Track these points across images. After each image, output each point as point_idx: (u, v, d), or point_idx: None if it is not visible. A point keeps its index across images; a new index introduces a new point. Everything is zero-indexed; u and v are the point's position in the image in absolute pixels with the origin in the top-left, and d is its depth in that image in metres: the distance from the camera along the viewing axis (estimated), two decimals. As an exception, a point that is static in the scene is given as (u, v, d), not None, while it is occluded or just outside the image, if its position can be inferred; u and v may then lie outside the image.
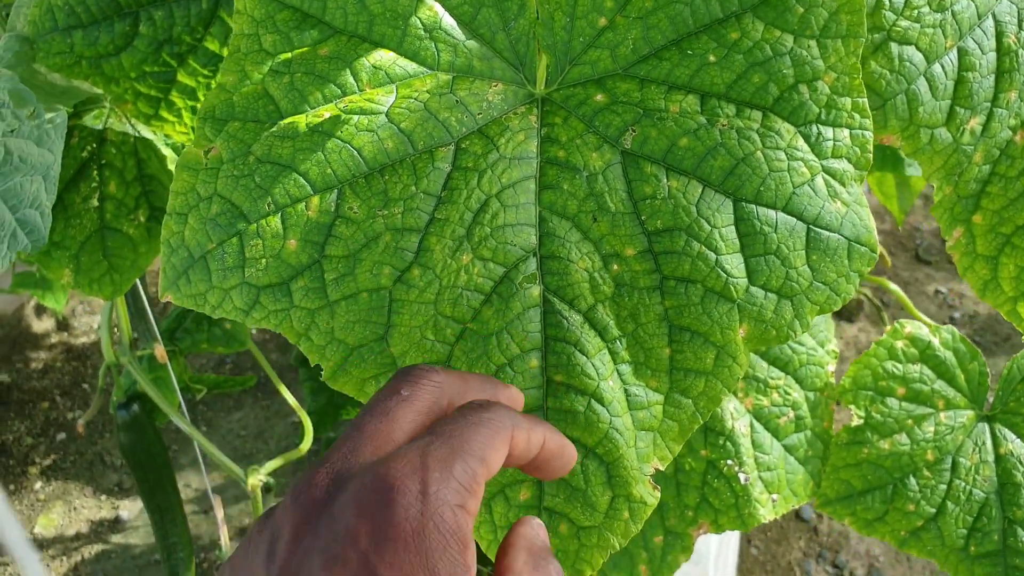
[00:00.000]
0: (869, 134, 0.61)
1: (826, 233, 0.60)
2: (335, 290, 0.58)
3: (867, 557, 2.55)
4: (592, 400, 0.58)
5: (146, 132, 1.15)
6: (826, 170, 0.60)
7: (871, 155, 0.61)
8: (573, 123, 0.62)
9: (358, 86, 0.61)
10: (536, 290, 0.60)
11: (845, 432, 1.02)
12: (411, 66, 0.62)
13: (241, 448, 2.83)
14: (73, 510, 2.69)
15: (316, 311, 0.59)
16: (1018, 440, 1.03)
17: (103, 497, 2.70)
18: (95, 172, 1.13)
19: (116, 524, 2.62)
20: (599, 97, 0.62)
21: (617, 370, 0.60)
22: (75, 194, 1.12)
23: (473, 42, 0.63)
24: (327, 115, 0.60)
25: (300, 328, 0.59)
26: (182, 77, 1.02)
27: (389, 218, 0.59)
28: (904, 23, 0.72)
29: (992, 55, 0.76)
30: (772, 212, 0.59)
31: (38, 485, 2.76)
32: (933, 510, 1.02)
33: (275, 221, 0.59)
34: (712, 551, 2.04)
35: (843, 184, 0.61)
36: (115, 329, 1.35)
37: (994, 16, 0.76)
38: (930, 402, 1.02)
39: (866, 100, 0.61)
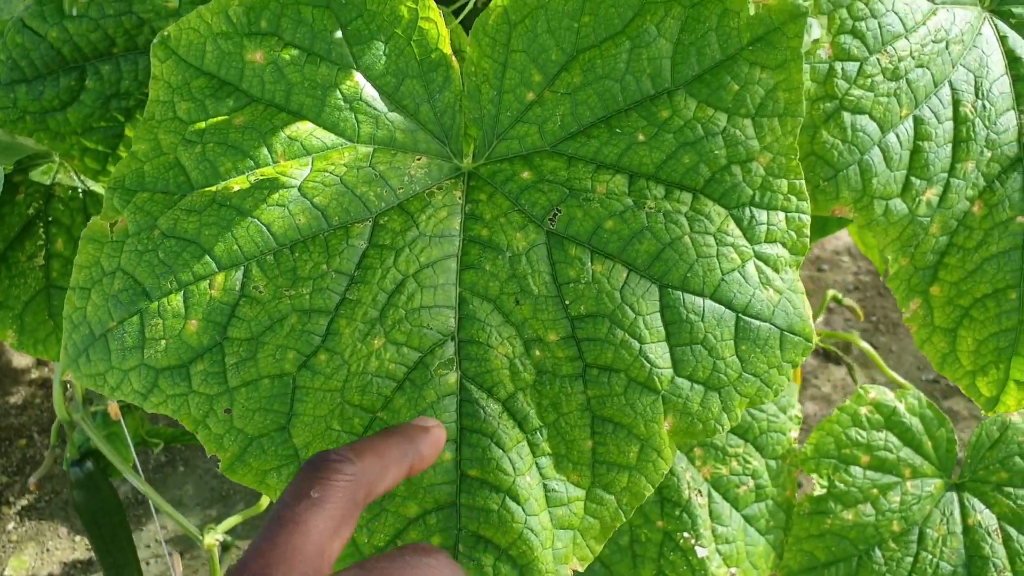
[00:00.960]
0: (806, 217, 0.58)
1: (756, 322, 0.57)
2: (235, 375, 0.55)
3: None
4: (507, 497, 0.55)
5: (96, 187, 1.12)
6: (758, 256, 0.57)
7: (808, 239, 0.58)
8: (498, 200, 0.59)
9: (272, 158, 0.58)
10: (453, 377, 0.56)
11: (808, 501, 0.99)
12: (329, 138, 0.59)
13: (219, 488, 2.79)
14: (46, 551, 2.64)
15: (215, 397, 0.56)
16: (987, 511, 0.99)
17: (77, 538, 2.65)
18: (41, 230, 1.10)
19: (89, 566, 2.58)
20: (526, 174, 0.59)
21: (536, 463, 0.57)
22: (20, 252, 1.09)
23: (396, 114, 0.60)
24: (237, 188, 0.57)
25: (198, 415, 0.56)
26: (130, 132, 0.99)
27: (296, 298, 0.56)
28: (857, 92, 0.69)
29: (949, 124, 0.73)
30: (699, 300, 0.56)
31: (11, 525, 2.71)
32: (898, 584, 0.98)
33: (177, 300, 0.56)
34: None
35: (776, 270, 0.58)
36: (68, 385, 1.32)
37: (950, 84, 0.73)
38: (896, 470, 0.99)
39: (804, 182, 0.58)
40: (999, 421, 1.01)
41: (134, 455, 1.31)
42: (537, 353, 0.57)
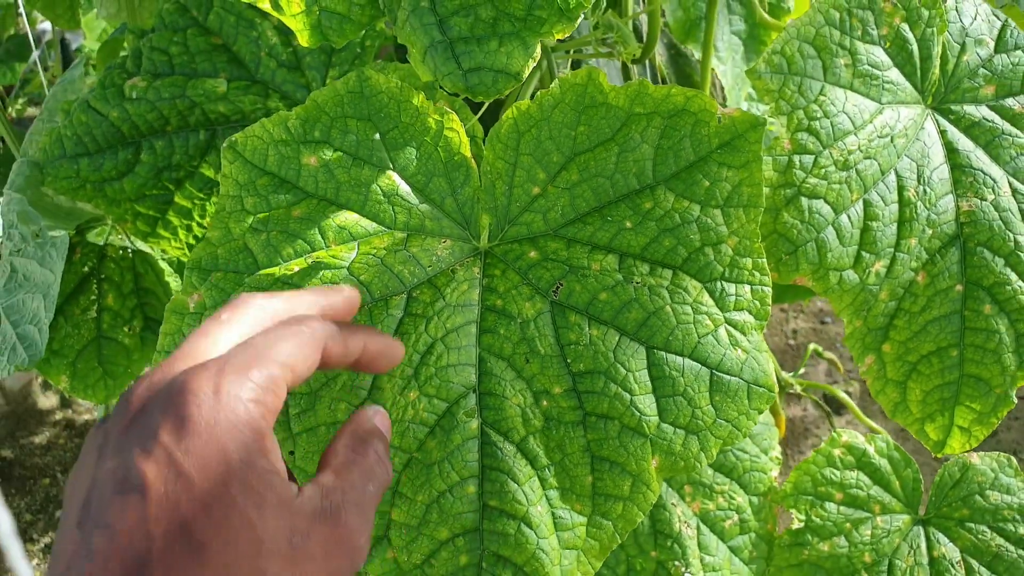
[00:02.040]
0: (768, 288, 0.71)
1: (728, 377, 0.69)
2: (297, 423, 0.68)
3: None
4: (522, 524, 0.67)
5: (144, 247, 1.25)
6: (728, 321, 0.70)
7: (769, 307, 0.71)
8: (510, 275, 0.71)
9: (325, 243, 0.71)
10: (475, 423, 0.68)
11: (787, 534, 1.10)
12: (371, 226, 0.72)
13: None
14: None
15: (281, 442, 0.68)
16: (951, 544, 1.10)
17: None
18: (94, 285, 1.23)
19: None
20: (532, 254, 0.71)
21: (546, 495, 0.68)
22: (75, 305, 1.22)
23: (426, 205, 0.73)
24: (296, 268, 0.70)
25: (267, 456, 0.67)
26: (179, 199, 1.12)
27: (347, 361, 0.68)
28: (813, 180, 0.82)
29: (895, 206, 0.85)
30: (680, 359, 0.69)
31: (35, 562, 2.81)
32: (871, 611, 1.09)
33: (249, 362, 0.68)
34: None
35: (744, 333, 0.70)
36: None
37: (896, 172, 0.86)
38: (867, 507, 1.10)
39: (765, 260, 0.71)
40: (960, 463, 1.12)
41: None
42: (545, 403, 0.69)
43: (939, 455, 0.92)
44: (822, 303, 3.67)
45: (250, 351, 0.48)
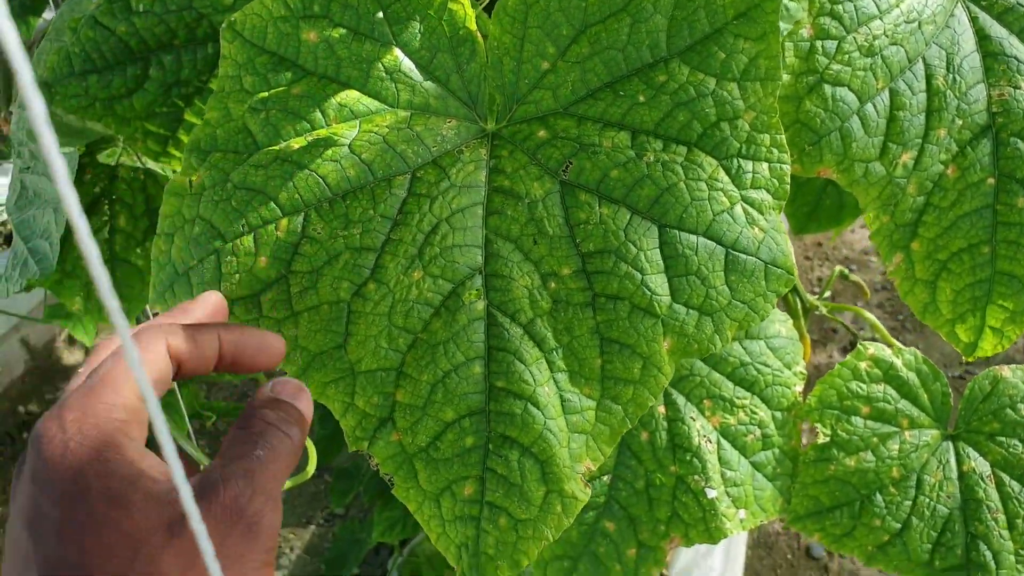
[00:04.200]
0: (787, 167, 0.68)
1: (744, 256, 0.66)
2: (299, 302, 0.66)
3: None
4: (528, 404, 0.65)
5: (155, 167, 1.23)
6: (745, 199, 0.67)
7: (788, 185, 0.68)
8: (518, 156, 0.69)
9: (325, 121, 0.68)
10: (481, 304, 0.66)
11: (812, 450, 1.07)
12: (373, 104, 0.69)
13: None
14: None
15: (282, 321, 0.66)
16: (980, 458, 1.07)
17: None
18: (106, 206, 1.22)
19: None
20: (542, 133, 0.69)
21: (554, 378, 0.66)
22: (88, 226, 1.20)
23: (430, 83, 0.70)
24: (297, 147, 0.67)
25: (267, 337, 0.66)
26: (189, 116, 1.10)
27: (349, 238, 0.66)
28: (836, 67, 0.78)
29: (923, 95, 0.82)
30: (693, 237, 0.66)
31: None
32: (899, 525, 1.06)
33: (248, 241, 0.66)
34: (715, 579, 2.08)
35: (761, 212, 0.67)
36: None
37: (924, 60, 0.82)
38: (894, 421, 1.07)
39: (783, 136, 0.68)
40: (991, 376, 1.09)
41: (188, 425, 1.41)
42: (553, 285, 0.66)
43: (970, 358, 0.89)
44: (847, 250, 3.61)
45: (85, 383, 0.52)
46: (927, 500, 1.06)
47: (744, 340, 1.09)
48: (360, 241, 0.66)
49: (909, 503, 1.06)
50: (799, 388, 1.09)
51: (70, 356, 3.42)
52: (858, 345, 1.09)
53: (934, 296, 0.87)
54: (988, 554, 1.04)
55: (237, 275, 0.66)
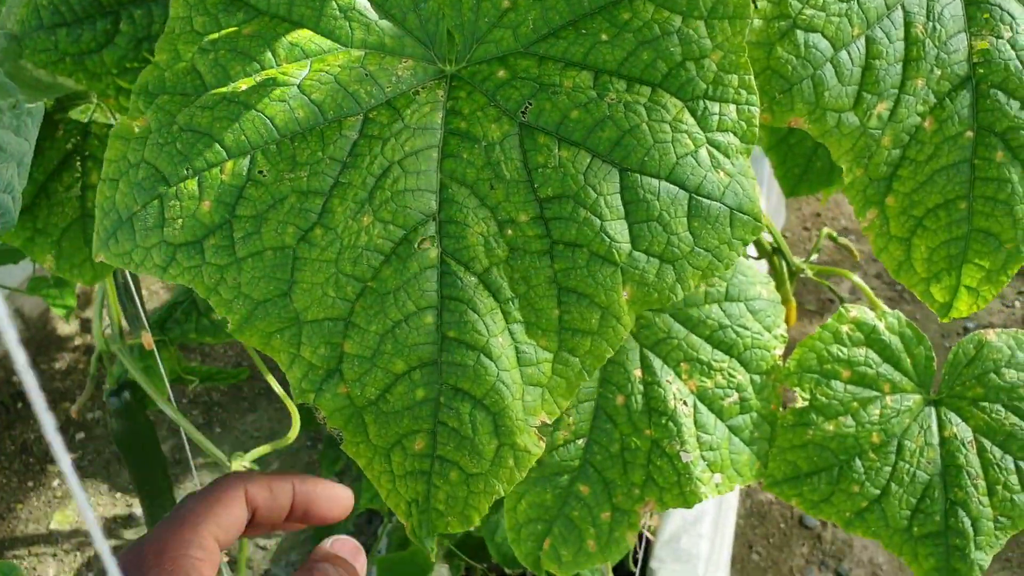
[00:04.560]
0: (755, 109, 0.65)
1: (707, 201, 0.63)
2: (243, 247, 0.63)
3: (870, 565, 2.55)
4: (481, 355, 0.62)
5: (127, 123, 1.20)
6: (711, 142, 0.64)
7: (757, 129, 0.65)
8: (476, 97, 0.66)
9: (276, 61, 0.66)
10: (434, 252, 0.64)
11: (791, 414, 1.05)
12: (326, 43, 0.67)
13: (253, 448, 2.89)
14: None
15: (225, 267, 0.63)
16: (962, 424, 1.05)
17: (118, 495, 2.77)
18: (78, 163, 1.19)
19: (129, 520, 2.69)
20: (501, 73, 0.66)
21: (509, 329, 0.64)
22: (58, 183, 1.18)
23: (385, 21, 0.67)
24: (244, 87, 0.65)
25: (210, 283, 0.63)
26: (159, 70, 1.07)
27: (295, 181, 0.63)
28: (809, 11, 0.76)
29: (900, 44, 0.79)
30: (656, 181, 0.63)
31: (56, 483, 2.83)
32: (878, 491, 1.04)
33: (192, 184, 0.64)
34: (703, 552, 2.06)
35: (727, 156, 0.64)
36: (107, 318, 1.41)
37: (903, 7, 0.79)
38: (875, 385, 1.05)
39: (752, 77, 0.65)
40: (976, 340, 1.07)
41: (168, 389, 1.39)
42: (509, 232, 0.64)
43: (945, 319, 0.86)
44: (846, 221, 3.58)
45: (167, 519, 0.56)
46: (907, 466, 1.04)
47: (723, 302, 1.06)
48: (307, 184, 0.63)
49: (889, 469, 1.04)
50: (779, 351, 1.07)
51: (65, 327, 3.40)
52: (840, 308, 1.07)
53: (909, 254, 0.84)
54: (967, 520, 1.02)
55: (180, 220, 0.64)
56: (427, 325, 0.63)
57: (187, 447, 1.37)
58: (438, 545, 2.17)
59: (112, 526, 2.67)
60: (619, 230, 0.63)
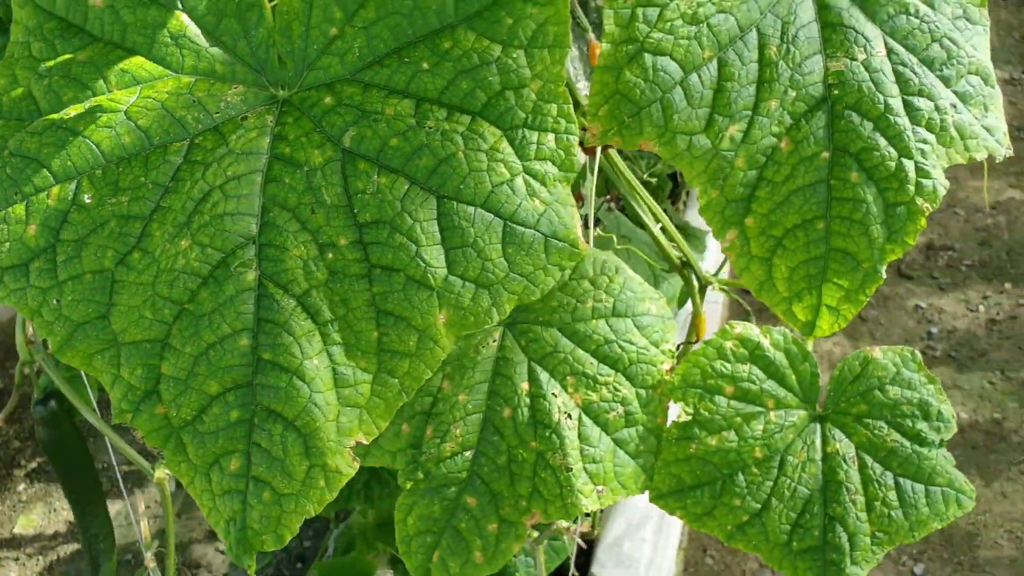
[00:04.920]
0: (574, 138, 0.66)
1: (522, 229, 0.65)
2: (64, 271, 0.65)
3: (823, 570, 2.55)
4: (294, 377, 0.64)
5: None
6: (528, 171, 0.65)
7: (576, 158, 0.66)
8: (303, 123, 0.67)
9: (107, 88, 0.67)
10: (252, 275, 0.65)
11: (675, 427, 1.06)
12: (157, 70, 0.68)
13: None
14: (53, 511, 2.78)
15: (47, 290, 0.65)
16: (846, 440, 1.06)
17: (80, 497, 2.78)
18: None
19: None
20: (328, 100, 0.67)
21: (327, 351, 0.65)
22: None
23: (216, 48, 0.69)
24: (74, 113, 0.66)
25: (34, 306, 0.65)
26: None
27: (117, 206, 0.65)
28: (657, 35, 0.77)
29: (754, 66, 0.80)
30: (471, 208, 0.65)
31: (21, 487, 2.85)
32: (758, 506, 1.05)
33: (20, 209, 0.65)
34: (645, 557, 2.08)
35: (544, 184, 0.66)
36: (31, 327, 1.42)
37: (758, 29, 0.80)
38: (759, 401, 1.06)
39: (571, 106, 0.66)
40: (861, 357, 1.08)
41: (91, 396, 1.40)
42: (330, 256, 0.65)
43: (810, 338, 0.88)
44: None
45: None
46: (789, 481, 1.05)
47: (610, 318, 1.07)
48: (127, 209, 0.65)
49: (770, 483, 1.05)
50: (667, 366, 1.08)
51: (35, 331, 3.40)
52: (725, 325, 1.08)
53: (770, 273, 0.85)
54: (844, 536, 1.04)
55: (7, 244, 0.65)
56: (242, 347, 0.64)
57: (112, 456, 1.38)
58: (383, 551, 2.19)
59: (75, 530, 2.69)
60: (435, 255, 0.64)
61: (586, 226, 1.74)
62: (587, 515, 1.95)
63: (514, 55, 0.66)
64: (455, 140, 0.65)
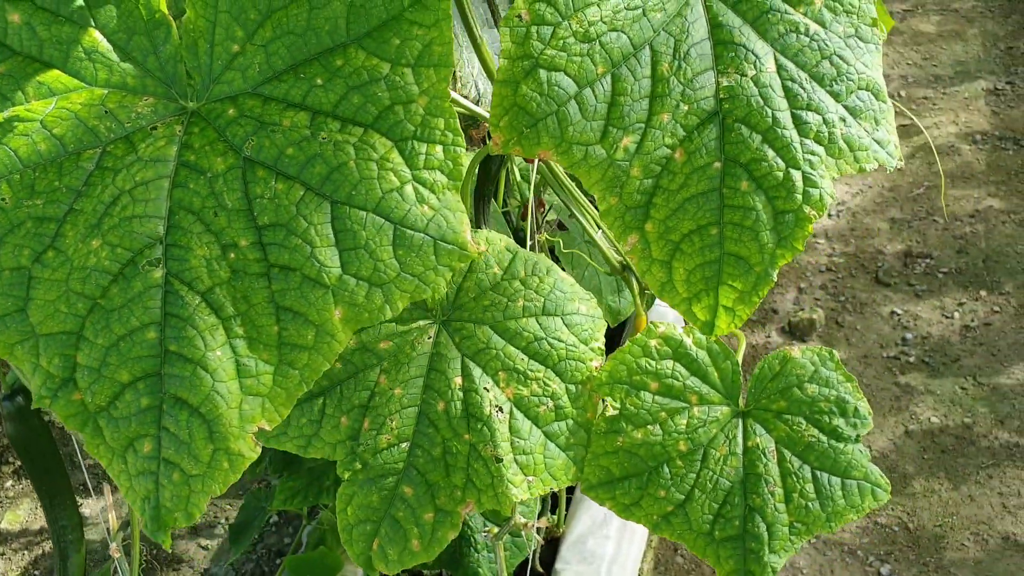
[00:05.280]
0: (461, 149, 0.72)
1: (412, 232, 0.70)
2: (-18, 269, 0.70)
3: (791, 568, 2.60)
4: (198, 367, 0.69)
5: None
6: (417, 179, 0.71)
7: (464, 168, 0.72)
8: (208, 132, 0.73)
9: (26, 99, 0.73)
10: (159, 272, 0.71)
11: (603, 421, 1.11)
12: (72, 82, 0.73)
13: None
14: (38, 507, 2.83)
15: (-34, 287, 0.70)
16: (767, 435, 1.11)
17: (65, 495, 2.84)
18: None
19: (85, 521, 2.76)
20: (231, 111, 0.73)
21: (231, 343, 0.70)
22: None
23: (128, 64, 0.74)
24: (-7, 123, 0.72)
25: (-47, 302, 0.70)
26: None
27: (32, 208, 0.70)
28: (551, 52, 0.82)
29: (647, 81, 0.85)
30: (363, 213, 0.70)
31: (8, 484, 2.90)
32: (682, 497, 1.10)
33: (-59, 211, 0.71)
34: (608, 553, 2.12)
35: (433, 191, 0.71)
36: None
37: (651, 47, 0.85)
38: (683, 397, 1.11)
39: (457, 120, 0.71)
40: (780, 356, 1.13)
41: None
42: (232, 255, 0.71)
43: (712, 336, 0.92)
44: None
45: None
46: (711, 473, 1.10)
47: (540, 316, 1.13)
48: (42, 211, 0.70)
49: (694, 476, 1.10)
50: (596, 363, 1.13)
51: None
52: (649, 324, 1.13)
53: (670, 276, 0.90)
54: (763, 526, 1.08)
55: (-72, 245, 0.71)
56: (150, 339, 0.70)
57: (77, 448, 1.44)
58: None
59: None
60: (329, 256, 0.70)
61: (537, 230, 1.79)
62: (552, 512, 2.00)
63: (402, 72, 0.71)
64: (347, 150, 0.70)
